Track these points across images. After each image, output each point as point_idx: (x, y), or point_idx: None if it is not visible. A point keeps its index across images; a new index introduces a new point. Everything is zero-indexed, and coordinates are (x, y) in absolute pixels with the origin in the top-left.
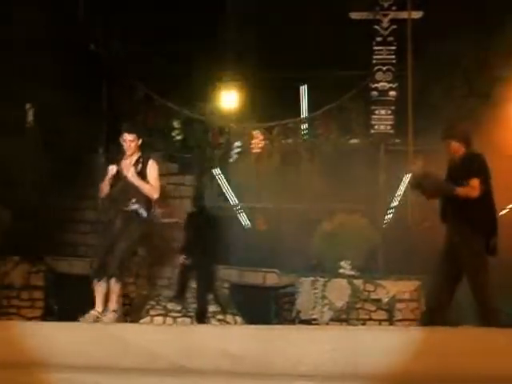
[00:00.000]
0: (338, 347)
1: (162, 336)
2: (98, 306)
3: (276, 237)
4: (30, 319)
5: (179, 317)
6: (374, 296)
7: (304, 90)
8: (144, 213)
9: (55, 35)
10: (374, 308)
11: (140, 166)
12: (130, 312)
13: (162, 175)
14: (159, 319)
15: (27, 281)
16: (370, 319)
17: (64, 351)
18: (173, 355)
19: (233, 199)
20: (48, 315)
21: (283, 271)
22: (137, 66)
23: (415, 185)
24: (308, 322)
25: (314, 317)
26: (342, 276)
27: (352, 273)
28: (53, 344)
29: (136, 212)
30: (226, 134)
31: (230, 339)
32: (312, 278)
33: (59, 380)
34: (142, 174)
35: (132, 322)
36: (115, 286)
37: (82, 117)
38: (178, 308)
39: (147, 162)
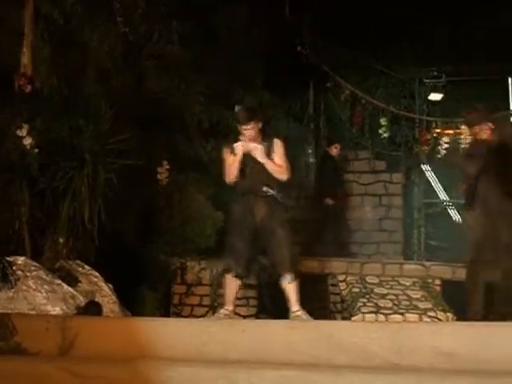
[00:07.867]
0: None
1: (375, 334)
2: (229, 305)
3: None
4: (244, 317)
5: (390, 314)
6: None
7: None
8: (284, 199)
9: (262, 36)
10: None
11: (264, 145)
12: (342, 310)
13: (369, 172)
14: (371, 316)
15: None
16: None
17: (280, 349)
18: (386, 353)
19: (442, 195)
20: (261, 313)
21: None
22: (339, 64)
23: None
24: None
25: None
26: None
27: None
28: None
29: (275, 198)
30: (432, 130)
31: (443, 336)
32: None
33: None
34: (267, 155)
35: (344, 319)
36: (293, 283)
37: (288, 120)
38: (389, 305)
39: (272, 142)
